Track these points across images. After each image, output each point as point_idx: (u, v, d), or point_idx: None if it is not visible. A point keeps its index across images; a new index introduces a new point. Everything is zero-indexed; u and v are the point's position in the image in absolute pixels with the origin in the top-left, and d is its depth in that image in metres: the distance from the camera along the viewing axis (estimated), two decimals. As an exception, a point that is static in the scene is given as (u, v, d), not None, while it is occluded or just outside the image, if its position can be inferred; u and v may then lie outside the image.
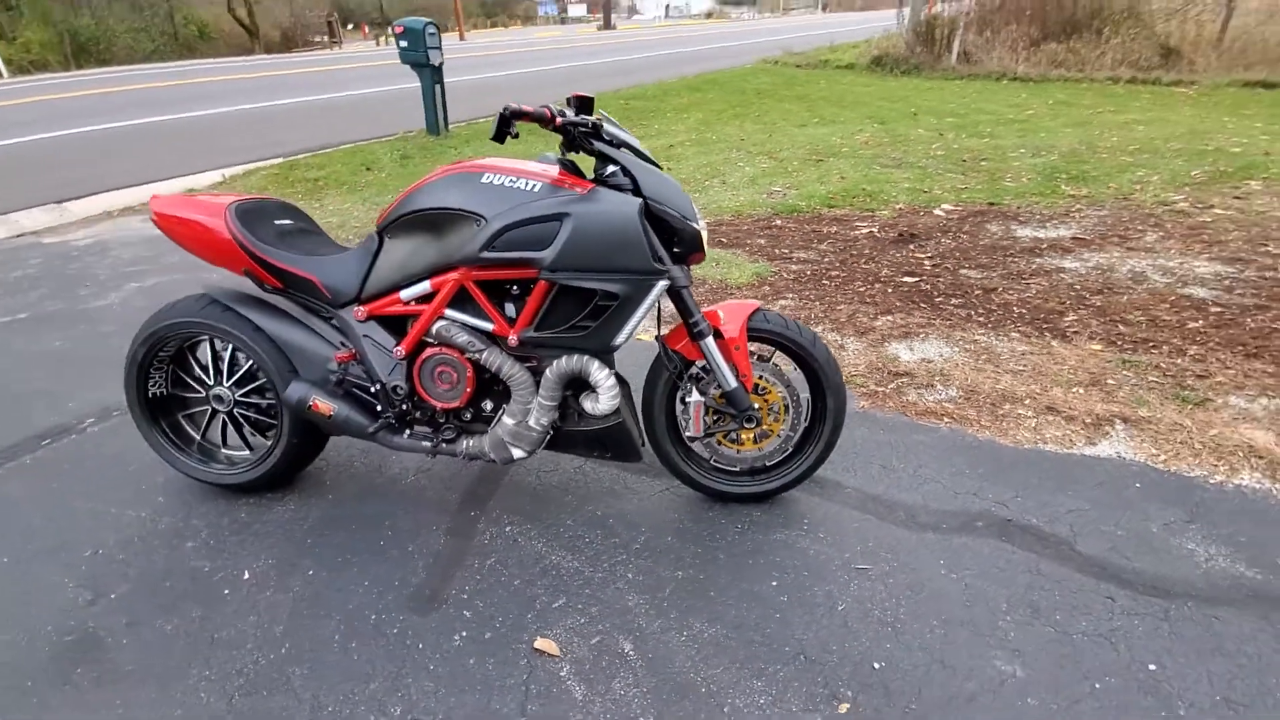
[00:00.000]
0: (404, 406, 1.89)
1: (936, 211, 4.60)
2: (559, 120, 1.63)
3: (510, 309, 1.82)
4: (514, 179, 1.72)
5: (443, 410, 1.91)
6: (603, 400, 1.80)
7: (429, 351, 1.85)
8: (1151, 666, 1.49)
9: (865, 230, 4.29)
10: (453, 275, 1.78)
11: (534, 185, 1.71)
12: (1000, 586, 1.72)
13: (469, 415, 1.94)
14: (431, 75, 6.70)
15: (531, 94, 10.34)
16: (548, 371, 1.80)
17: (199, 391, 2.07)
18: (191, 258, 2.01)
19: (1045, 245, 3.93)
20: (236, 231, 1.84)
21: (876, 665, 1.52)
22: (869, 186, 5.17)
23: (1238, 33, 10.73)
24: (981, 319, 3.12)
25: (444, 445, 1.92)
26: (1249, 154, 5.50)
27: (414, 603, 1.74)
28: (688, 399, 1.90)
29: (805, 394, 1.99)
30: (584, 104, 1.70)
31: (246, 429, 2.12)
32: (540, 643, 1.60)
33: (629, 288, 1.70)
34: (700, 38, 26.45)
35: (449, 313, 1.82)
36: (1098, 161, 5.56)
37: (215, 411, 2.08)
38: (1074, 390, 2.55)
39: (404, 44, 6.49)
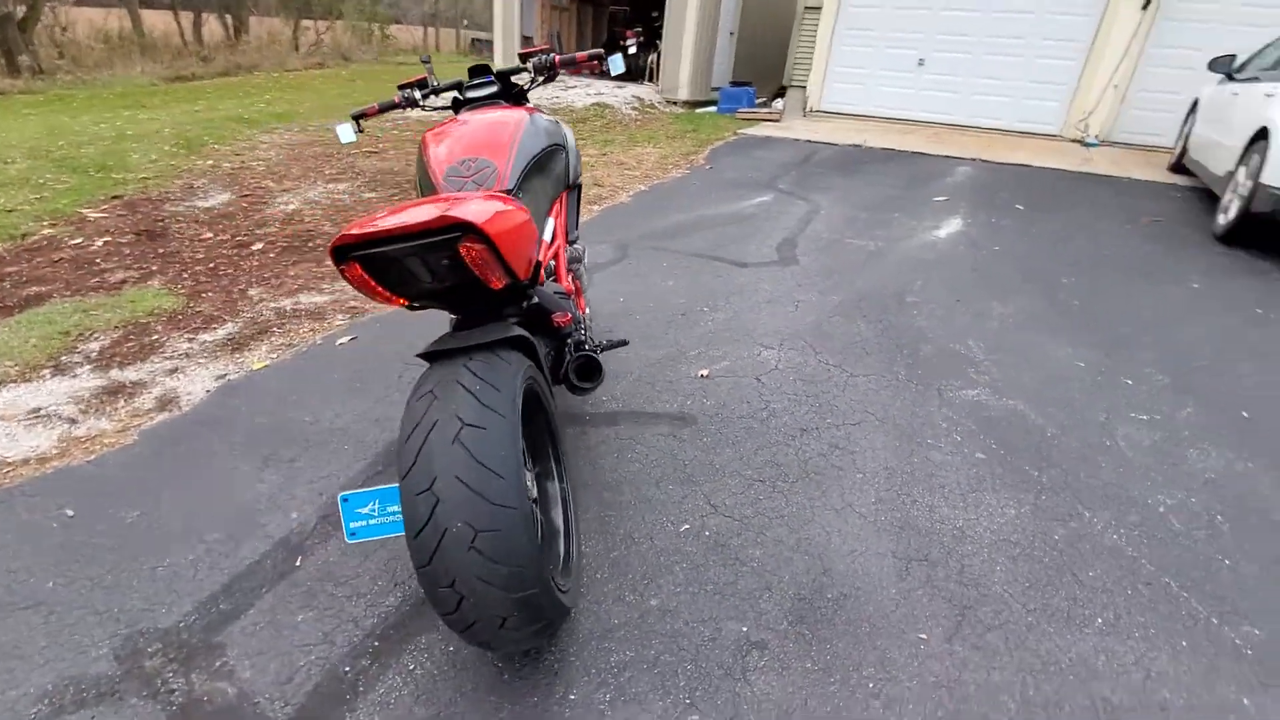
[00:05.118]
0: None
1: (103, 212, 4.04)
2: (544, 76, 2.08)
3: None
4: (541, 114, 2.01)
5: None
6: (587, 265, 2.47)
7: (569, 279, 1.98)
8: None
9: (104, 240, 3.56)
10: (558, 204, 1.97)
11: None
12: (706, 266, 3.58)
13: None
14: None
15: None
16: (585, 259, 2.30)
17: None
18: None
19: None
20: None
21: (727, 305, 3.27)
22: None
23: None
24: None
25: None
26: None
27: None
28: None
29: None
30: (483, 68, 2.10)
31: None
32: (703, 371, 2.58)
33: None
34: None
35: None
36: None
37: None
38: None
39: None
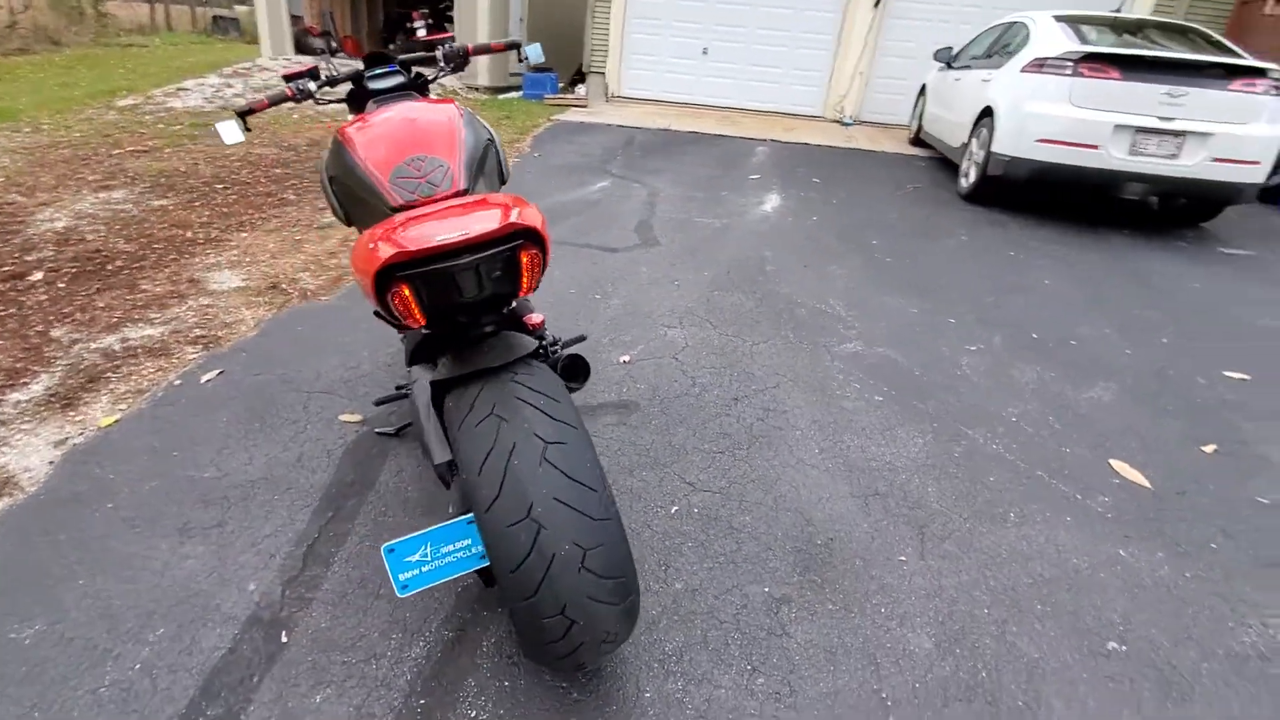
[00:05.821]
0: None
1: None
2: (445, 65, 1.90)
3: None
4: (465, 108, 1.84)
5: None
6: None
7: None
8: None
9: None
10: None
11: None
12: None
13: None
14: None
15: None
16: None
17: None
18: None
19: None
20: None
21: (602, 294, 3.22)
22: None
23: None
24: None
25: None
26: None
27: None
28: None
29: None
30: (382, 57, 1.89)
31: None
32: (624, 357, 2.58)
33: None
34: None
35: None
36: None
37: None
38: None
39: None
